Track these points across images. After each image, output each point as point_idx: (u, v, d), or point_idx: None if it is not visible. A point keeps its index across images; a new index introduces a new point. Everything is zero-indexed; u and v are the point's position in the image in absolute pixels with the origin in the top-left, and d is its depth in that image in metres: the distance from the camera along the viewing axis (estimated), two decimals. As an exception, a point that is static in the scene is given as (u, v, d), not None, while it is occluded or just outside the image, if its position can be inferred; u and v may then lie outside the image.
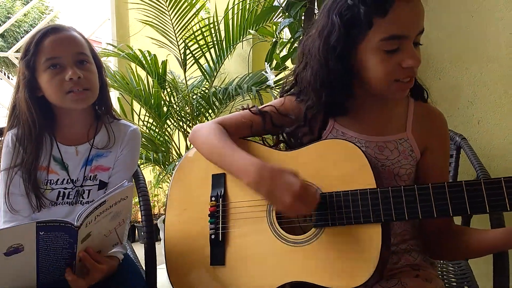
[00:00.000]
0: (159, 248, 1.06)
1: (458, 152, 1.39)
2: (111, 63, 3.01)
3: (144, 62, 2.17)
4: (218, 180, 1.01)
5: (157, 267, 1.19)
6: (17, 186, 1.11)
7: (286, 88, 1.07)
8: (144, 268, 1.19)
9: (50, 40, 1.09)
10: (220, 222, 0.98)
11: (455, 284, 1.22)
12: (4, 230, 0.91)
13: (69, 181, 1.16)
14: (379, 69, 0.87)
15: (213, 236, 0.97)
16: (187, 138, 1.07)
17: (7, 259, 0.85)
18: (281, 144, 1.07)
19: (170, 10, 2.14)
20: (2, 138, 1.18)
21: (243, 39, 2.16)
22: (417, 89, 1.01)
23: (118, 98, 2.17)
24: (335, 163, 0.89)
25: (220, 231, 0.97)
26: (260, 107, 1.05)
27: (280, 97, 1.08)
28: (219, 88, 2.06)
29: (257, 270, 0.92)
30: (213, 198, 1.00)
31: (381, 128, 0.97)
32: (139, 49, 2.19)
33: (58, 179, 1.16)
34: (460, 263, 1.30)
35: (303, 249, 0.88)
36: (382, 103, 0.98)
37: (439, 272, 1.27)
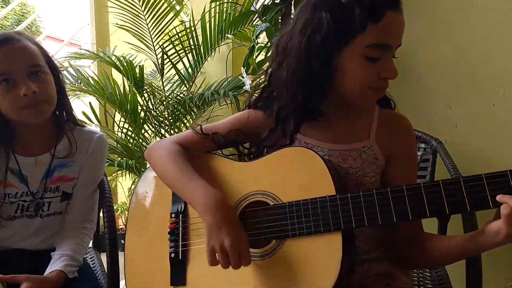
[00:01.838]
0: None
1: (435, 157, 1.37)
2: (89, 69, 2.97)
3: (120, 66, 2.13)
4: (178, 196, 0.95)
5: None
6: None
7: (254, 97, 1.02)
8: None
9: (0, 53, 1.03)
10: (180, 239, 0.94)
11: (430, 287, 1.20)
12: None
13: (28, 193, 1.11)
14: (358, 75, 0.85)
15: (172, 255, 0.93)
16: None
17: None
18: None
19: (146, 14, 2.11)
20: None
21: (221, 44, 2.13)
22: (383, 99, 0.98)
23: (90, 103, 2.12)
24: (295, 172, 0.86)
25: (180, 249, 0.93)
26: (222, 130, 0.99)
27: (245, 107, 1.03)
28: (196, 93, 2.02)
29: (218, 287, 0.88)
30: (172, 215, 0.95)
31: (345, 136, 0.94)
32: (114, 55, 2.15)
33: (17, 192, 1.11)
34: (437, 269, 1.28)
35: (263, 263, 0.85)
36: (346, 110, 0.95)
37: (415, 279, 1.25)
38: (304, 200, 0.83)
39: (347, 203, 0.79)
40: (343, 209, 0.79)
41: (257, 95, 1.01)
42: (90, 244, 1.48)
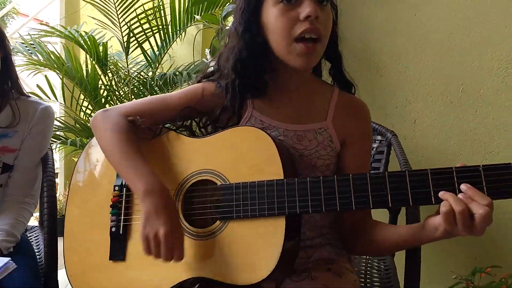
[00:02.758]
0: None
1: (389, 149, 1.38)
2: (57, 45, 2.84)
3: (82, 42, 2.04)
4: None
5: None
6: None
7: (206, 73, 1.00)
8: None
9: None
10: (123, 213, 0.91)
11: (377, 279, 1.22)
12: None
13: None
14: (278, 23, 0.85)
15: (113, 229, 0.90)
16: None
17: None
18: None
19: (112, -13, 2.03)
20: None
21: (190, 25, 2.08)
22: (344, 82, 0.98)
23: (45, 76, 2.03)
24: (245, 152, 0.85)
25: (122, 223, 0.90)
26: (175, 105, 0.96)
27: (198, 81, 1.01)
28: (158, 74, 1.97)
29: (158, 265, 0.85)
30: (116, 188, 0.92)
31: (302, 116, 0.93)
32: (75, 30, 2.06)
33: None
34: (385, 259, 1.30)
35: (206, 243, 0.83)
36: (305, 90, 0.94)
37: (363, 267, 1.26)
38: (252, 182, 0.81)
39: (293, 188, 0.79)
40: (289, 194, 0.79)
41: (209, 71, 1.01)
42: (36, 223, 1.43)
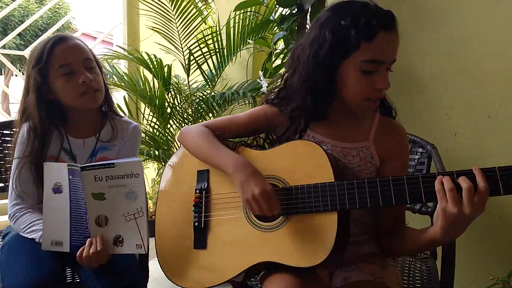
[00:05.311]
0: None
1: (429, 160, 1.50)
2: (121, 65, 3.19)
3: (150, 65, 2.33)
4: (202, 175, 1.15)
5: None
6: (27, 173, 1.25)
7: (271, 95, 1.18)
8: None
9: (60, 48, 1.24)
10: (203, 211, 1.12)
11: (419, 280, 1.33)
12: (50, 164, 1.15)
13: None
14: (355, 85, 1.00)
15: (196, 224, 1.11)
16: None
17: (54, 197, 1.08)
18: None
19: (176, 18, 2.31)
20: (17, 129, 1.32)
21: (243, 48, 2.31)
22: (386, 107, 1.13)
23: (124, 97, 2.33)
24: (301, 161, 1.03)
25: (203, 219, 1.11)
26: (243, 123, 1.16)
27: (262, 103, 1.20)
28: (218, 93, 2.21)
29: (233, 252, 1.06)
30: (197, 191, 1.13)
31: (347, 136, 1.10)
32: (146, 52, 2.36)
33: None
34: (427, 261, 1.40)
35: (272, 234, 1.02)
36: (350, 113, 1.09)
37: (406, 267, 1.38)
38: (308, 184, 1.00)
39: (343, 188, 0.96)
40: (340, 193, 0.96)
41: (273, 94, 1.18)
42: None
